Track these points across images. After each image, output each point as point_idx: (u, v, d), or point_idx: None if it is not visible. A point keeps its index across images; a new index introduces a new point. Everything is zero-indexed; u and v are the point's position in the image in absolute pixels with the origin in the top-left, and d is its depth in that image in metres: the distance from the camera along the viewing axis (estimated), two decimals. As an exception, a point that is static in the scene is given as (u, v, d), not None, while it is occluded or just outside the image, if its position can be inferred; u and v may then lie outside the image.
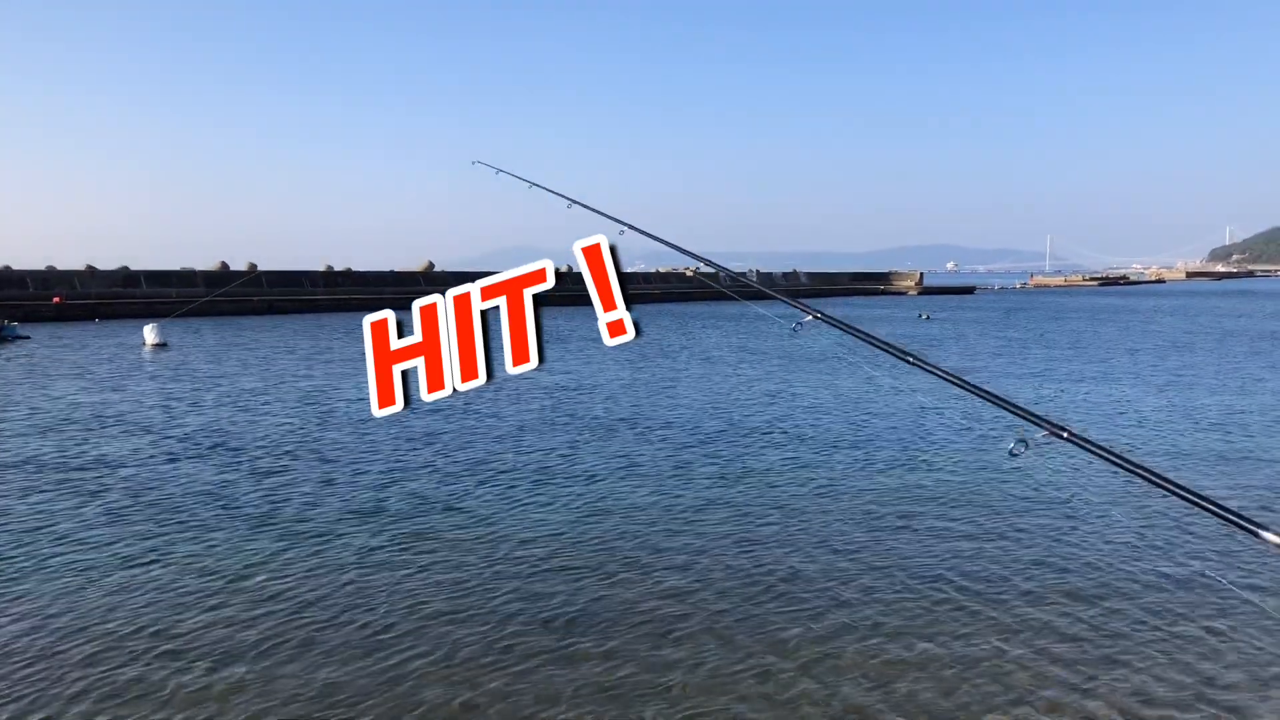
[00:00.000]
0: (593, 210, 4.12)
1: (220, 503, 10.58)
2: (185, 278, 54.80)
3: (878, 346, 2.85)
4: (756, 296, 4.42)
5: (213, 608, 7.32)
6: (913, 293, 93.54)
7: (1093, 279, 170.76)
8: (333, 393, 20.28)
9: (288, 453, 13.44)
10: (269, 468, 12.43)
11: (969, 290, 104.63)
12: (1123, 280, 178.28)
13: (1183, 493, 2.01)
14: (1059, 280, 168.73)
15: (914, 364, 2.79)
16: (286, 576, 8.04)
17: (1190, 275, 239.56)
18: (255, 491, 11.10)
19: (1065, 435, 2.37)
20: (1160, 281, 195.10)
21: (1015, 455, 2.43)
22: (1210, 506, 1.93)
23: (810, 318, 3.06)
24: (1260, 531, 1.85)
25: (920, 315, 54.03)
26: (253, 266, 59.26)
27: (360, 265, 66.00)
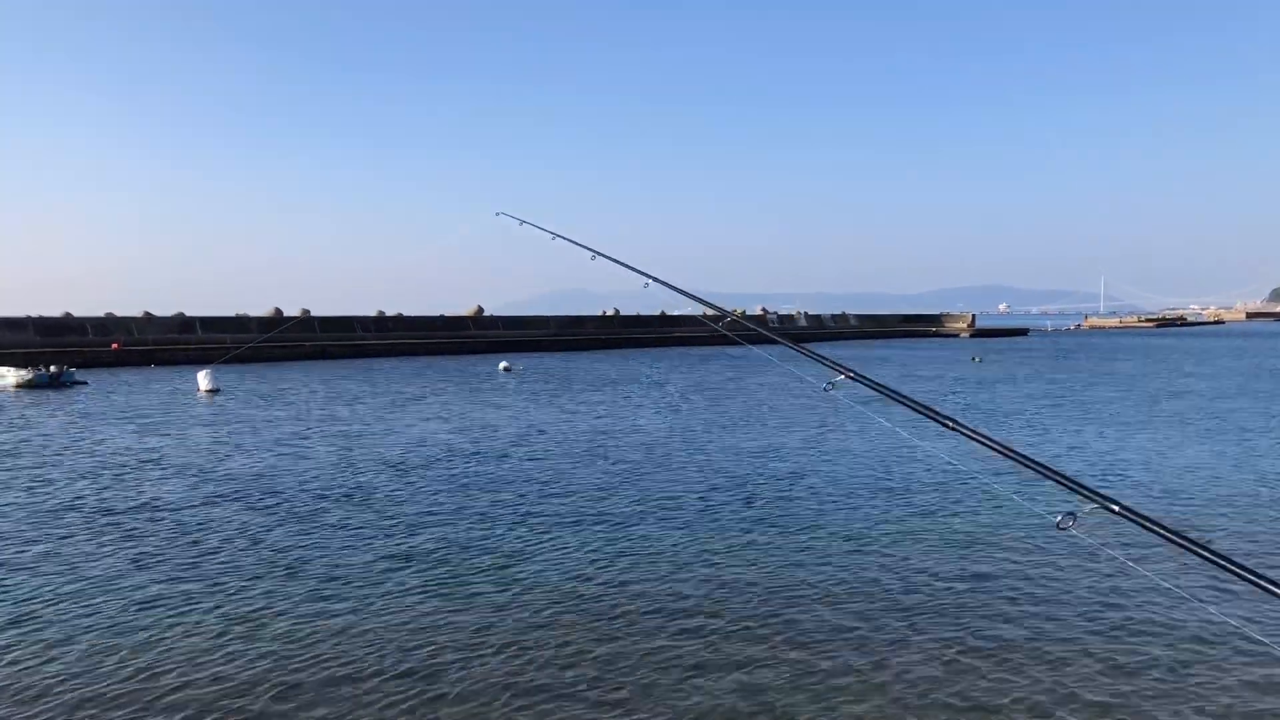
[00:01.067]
0: (617, 262, 4.04)
1: (257, 547, 10.53)
2: (239, 323, 55.68)
3: (913, 408, 2.71)
4: (797, 338, 4.25)
5: (236, 653, 7.17)
6: (965, 335, 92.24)
7: (1149, 320, 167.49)
8: (377, 436, 20.25)
9: (327, 497, 13.43)
10: (308, 512, 12.39)
11: (1022, 332, 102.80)
12: (1180, 321, 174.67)
13: (1252, 577, 1.83)
14: (1114, 321, 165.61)
15: (953, 428, 2.67)
16: (314, 621, 7.90)
17: (1251, 316, 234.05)
18: (291, 536, 11.06)
19: (1117, 509, 2.21)
20: (1219, 322, 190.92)
21: (1062, 529, 2.31)
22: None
23: (843, 376, 2.98)
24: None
25: (973, 358, 53.19)
26: (305, 311, 60.07)
27: (411, 309, 66.66)
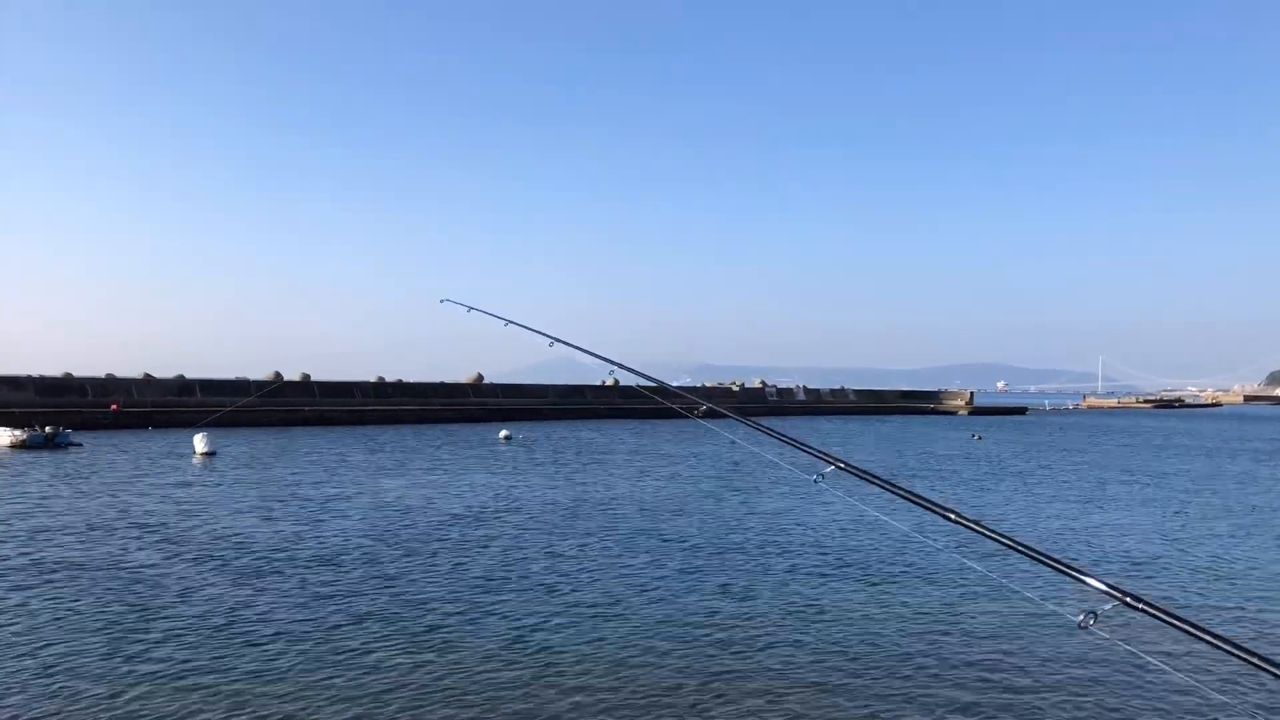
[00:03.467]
0: (575, 348, 4.06)
1: (238, 614, 10.36)
2: (239, 386, 55.57)
3: (911, 500, 2.69)
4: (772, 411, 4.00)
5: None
6: (963, 412, 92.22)
7: (1147, 401, 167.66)
8: (366, 502, 20.06)
9: (306, 563, 13.32)
10: (287, 575, 12.28)
11: (1021, 410, 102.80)
12: (1178, 403, 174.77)
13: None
14: (1112, 402, 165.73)
15: (955, 521, 2.58)
16: (282, 682, 7.76)
17: (1248, 399, 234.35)
18: (270, 602, 10.93)
19: (1141, 606, 2.14)
20: (1216, 405, 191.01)
21: (1084, 628, 2.26)
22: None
23: (832, 468, 2.77)
24: None
25: (973, 435, 53.26)
26: (306, 376, 60.02)
27: (410, 376, 66.60)
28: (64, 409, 44.48)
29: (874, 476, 2.60)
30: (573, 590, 11.83)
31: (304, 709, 7.39)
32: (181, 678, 8.06)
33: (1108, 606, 2.22)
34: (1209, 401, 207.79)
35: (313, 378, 59.73)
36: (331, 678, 8.16)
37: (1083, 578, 2.22)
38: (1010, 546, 2.33)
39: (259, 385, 56.08)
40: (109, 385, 51.68)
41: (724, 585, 12.23)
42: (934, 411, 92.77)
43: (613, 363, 4.27)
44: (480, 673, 8.36)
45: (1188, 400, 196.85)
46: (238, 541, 14.98)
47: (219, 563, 13.19)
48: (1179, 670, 7.74)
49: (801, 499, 20.89)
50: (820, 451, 2.91)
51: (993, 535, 2.34)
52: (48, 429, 35.27)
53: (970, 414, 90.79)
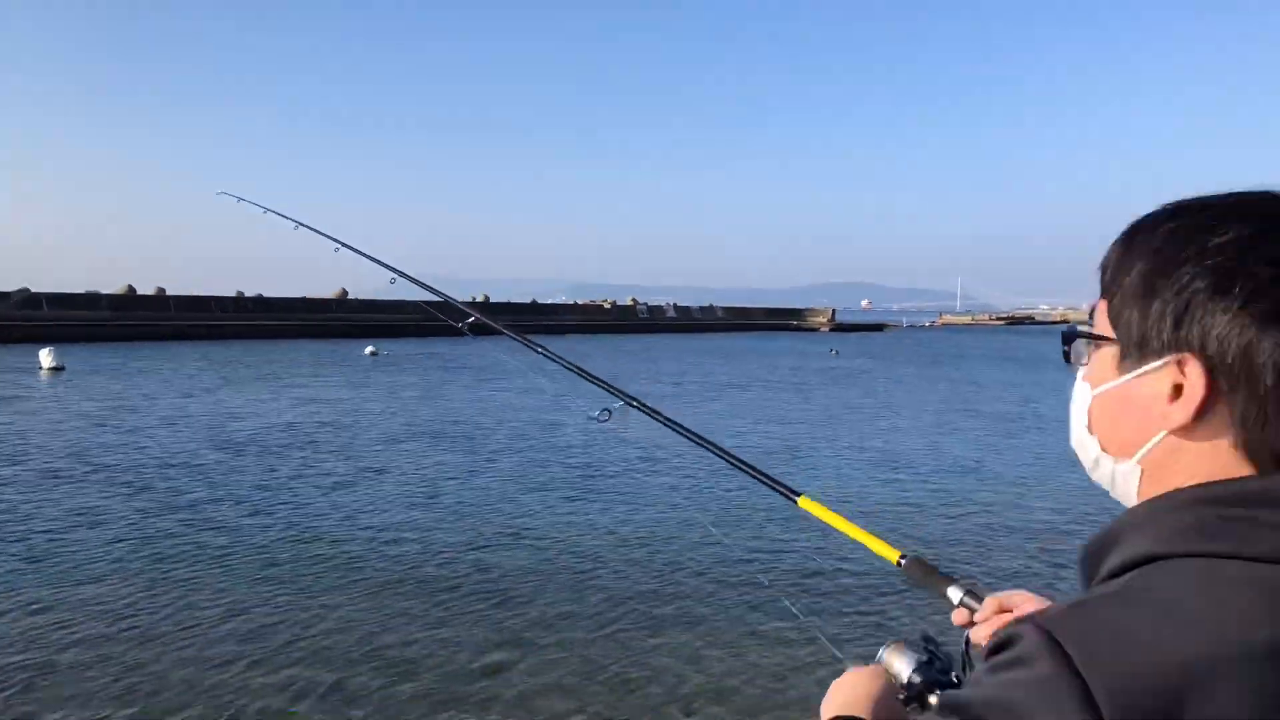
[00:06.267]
0: (362, 254, 3.93)
1: (86, 525, 10.76)
2: (90, 300, 53.71)
3: (690, 438, 2.55)
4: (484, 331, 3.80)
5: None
6: (825, 329, 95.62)
7: (1000, 318, 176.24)
8: (221, 416, 20.50)
9: (149, 475, 13.65)
10: (141, 489, 12.70)
11: (879, 328, 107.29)
12: (1028, 320, 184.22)
13: (730, 458, 2.38)
14: (967, 319, 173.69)
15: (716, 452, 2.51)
16: (124, 597, 8.58)
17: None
18: (119, 515, 11.29)
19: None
20: (1065, 322, 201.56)
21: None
22: (754, 472, 2.27)
23: (621, 404, 2.71)
24: (794, 497, 2.14)
25: (831, 351, 56.21)
26: (161, 290, 58.38)
27: (273, 292, 65.36)
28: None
29: (653, 410, 2.60)
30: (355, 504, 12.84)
31: (132, 611, 8.18)
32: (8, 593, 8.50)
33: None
34: (1058, 319, 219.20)
35: (169, 292, 58.19)
36: (154, 584, 8.91)
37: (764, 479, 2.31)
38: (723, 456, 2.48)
39: (111, 299, 54.37)
40: (-53, 298, 49.34)
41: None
42: (798, 328, 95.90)
43: (396, 271, 4.00)
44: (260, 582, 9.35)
45: (1038, 318, 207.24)
46: (79, 454, 15.31)
47: (58, 476, 13.52)
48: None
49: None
50: (607, 384, 2.74)
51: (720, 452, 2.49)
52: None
53: (831, 330, 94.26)
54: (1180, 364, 0.87)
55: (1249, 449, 0.85)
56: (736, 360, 46.36)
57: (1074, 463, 1.05)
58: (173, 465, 14.39)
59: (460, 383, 30.02)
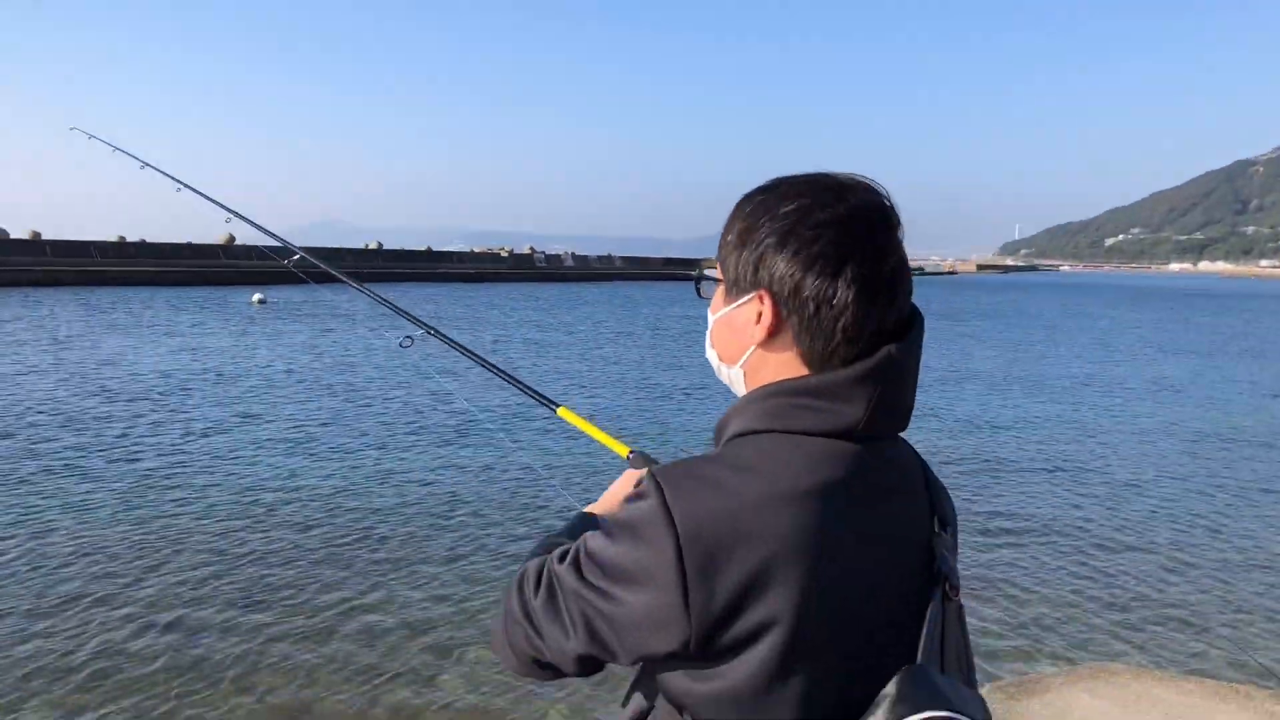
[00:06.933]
0: (202, 195, 3.95)
1: None
2: (-44, 244, 51.19)
3: (470, 357, 2.76)
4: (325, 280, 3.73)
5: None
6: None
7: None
8: (95, 364, 20.07)
9: (13, 422, 13.46)
10: (15, 438, 12.52)
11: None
12: (918, 271, 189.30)
13: (503, 374, 2.62)
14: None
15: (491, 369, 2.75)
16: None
17: (981, 268, 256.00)
18: None
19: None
20: (953, 273, 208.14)
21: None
22: (518, 383, 2.56)
23: (423, 333, 2.86)
24: (555, 407, 2.38)
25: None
26: (35, 234, 55.90)
27: (155, 238, 63.07)
28: None
29: (455, 343, 2.77)
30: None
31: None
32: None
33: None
34: (947, 270, 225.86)
35: (43, 235, 55.77)
36: (9, 527, 8.98)
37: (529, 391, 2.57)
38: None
39: (-20, 243, 51.86)
40: None
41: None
42: (691, 278, 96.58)
43: (233, 212, 3.99)
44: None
45: (928, 269, 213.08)
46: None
47: None
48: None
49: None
50: (412, 316, 2.92)
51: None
52: None
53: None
54: (760, 298, 1.23)
55: (806, 357, 1.23)
56: (631, 307, 46.86)
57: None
58: (39, 413, 14.13)
59: (341, 329, 29.80)
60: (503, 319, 38.15)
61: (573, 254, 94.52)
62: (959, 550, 1.37)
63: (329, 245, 72.26)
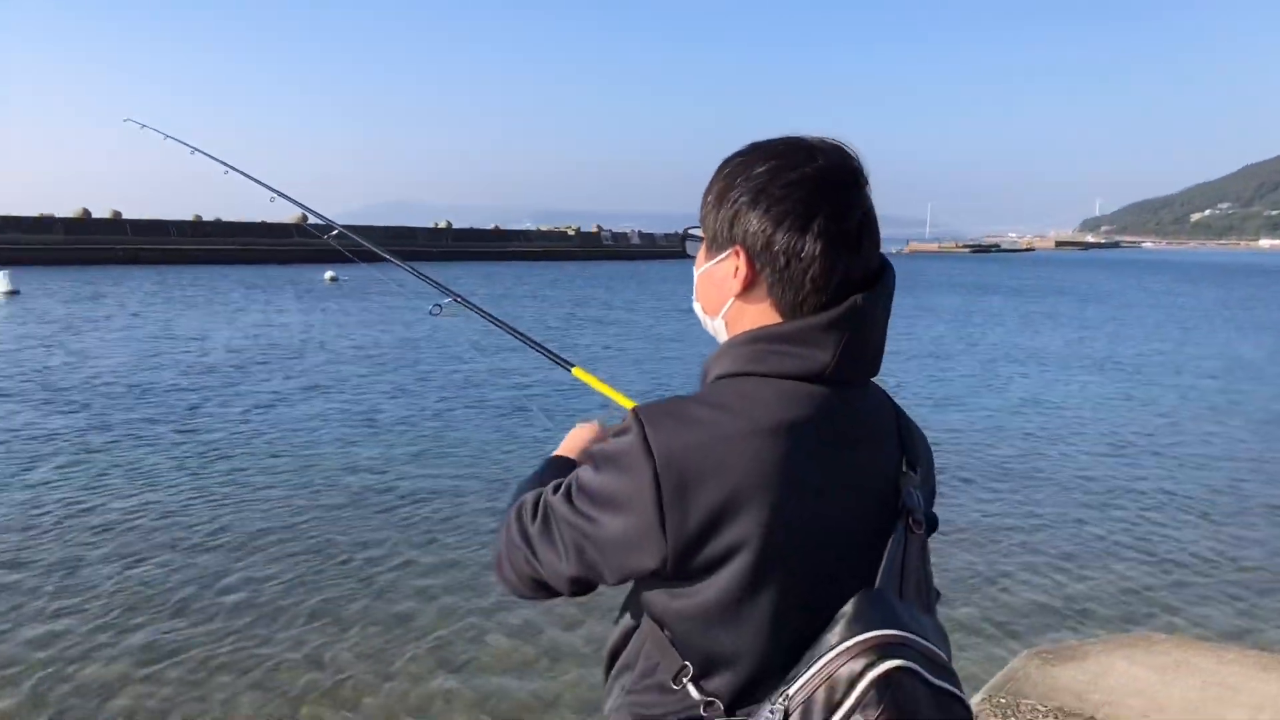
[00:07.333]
0: (250, 178, 4.01)
1: (23, 439, 11.06)
2: (44, 224, 53.08)
3: (494, 322, 2.73)
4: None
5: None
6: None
7: (967, 246, 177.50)
8: (168, 340, 20.73)
9: (90, 395, 13.87)
10: (82, 407, 13.00)
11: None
12: (994, 248, 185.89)
13: (520, 336, 2.64)
14: (934, 247, 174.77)
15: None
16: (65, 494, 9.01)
17: (1059, 245, 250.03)
18: (54, 430, 11.59)
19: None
20: (1031, 250, 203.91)
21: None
22: (536, 345, 2.57)
23: (450, 299, 2.91)
24: (569, 367, 2.44)
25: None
26: (116, 214, 57.71)
27: (231, 217, 64.71)
28: None
29: (478, 308, 2.77)
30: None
31: (62, 515, 8.63)
32: None
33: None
34: (1025, 247, 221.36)
35: (124, 215, 57.54)
36: (87, 489, 9.37)
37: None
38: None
39: (66, 223, 53.72)
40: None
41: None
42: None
43: (277, 191, 3.97)
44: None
45: (1005, 246, 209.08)
46: (25, 374, 15.56)
47: (24, 398, 13.71)
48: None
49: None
50: (440, 285, 2.93)
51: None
52: None
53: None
54: (736, 253, 1.32)
55: (779, 307, 1.31)
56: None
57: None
58: (113, 385, 14.68)
59: (409, 306, 30.21)
60: (558, 296, 38.38)
61: (639, 232, 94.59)
62: (937, 491, 1.47)
63: (403, 225, 73.30)
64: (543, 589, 1.39)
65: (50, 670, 5.47)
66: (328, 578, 6.99)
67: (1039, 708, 3.74)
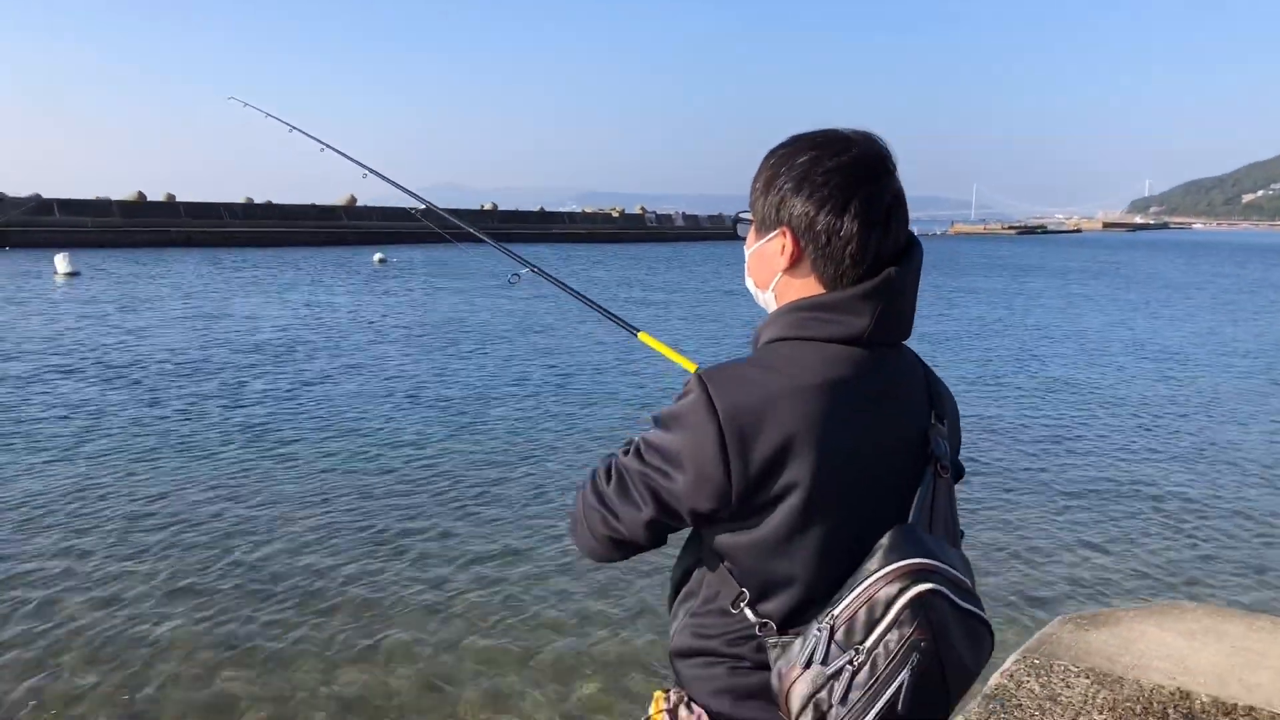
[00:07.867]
0: (343, 155, 4.13)
1: (82, 415, 11.41)
2: (100, 207, 54.18)
3: (566, 290, 2.85)
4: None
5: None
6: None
7: (1012, 228, 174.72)
8: (221, 319, 21.24)
9: (143, 372, 14.28)
10: (133, 383, 13.42)
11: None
12: (1040, 229, 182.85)
13: (589, 302, 2.77)
14: (979, 228, 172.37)
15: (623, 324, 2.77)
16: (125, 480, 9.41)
17: (1107, 226, 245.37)
18: (109, 404, 12.03)
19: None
20: (1078, 231, 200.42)
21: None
22: (605, 311, 2.70)
23: (528, 270, 3.02)
24: (635, 332, 2.55)
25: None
26: (170, 197, 58.77)
27: (282, 199, 65.57)
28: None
29: (553, 278, 2.89)
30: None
31: (155, 493, 9.04)
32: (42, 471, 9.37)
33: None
34: (1071, 228, 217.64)
35: (178, 198, 58.55)
36: (178, 469, 9.77)
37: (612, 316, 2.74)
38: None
39: (122, 205, 54.81)
40: (-41, 204, 49.85)
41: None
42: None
43: (367, 168, 4.07)
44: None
45: (1051, 227, 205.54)
46: (96, 355, 16.06)
47: (83, 375, 14.17)
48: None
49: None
50: (517, 256, 3.03)
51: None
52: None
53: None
54: (783, 233, 1.51)
55: (822, 280, 1.50)
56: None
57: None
58: (165, 363, 15.18)
59: (452, 287, 30.70)
60: (605, 276, 38.64)
61: (683, 214, 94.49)
62: (961, 440, 1.65)
63: (451, 206, 73.75)
64: (618, 547, 1.55)
65: (104, 629, 5.81)
66: (366, 550, 7.29)
67: (1071, 669, 3.92)
